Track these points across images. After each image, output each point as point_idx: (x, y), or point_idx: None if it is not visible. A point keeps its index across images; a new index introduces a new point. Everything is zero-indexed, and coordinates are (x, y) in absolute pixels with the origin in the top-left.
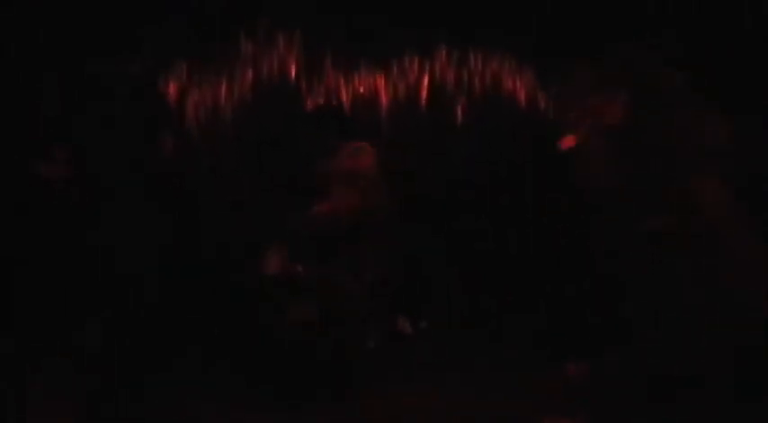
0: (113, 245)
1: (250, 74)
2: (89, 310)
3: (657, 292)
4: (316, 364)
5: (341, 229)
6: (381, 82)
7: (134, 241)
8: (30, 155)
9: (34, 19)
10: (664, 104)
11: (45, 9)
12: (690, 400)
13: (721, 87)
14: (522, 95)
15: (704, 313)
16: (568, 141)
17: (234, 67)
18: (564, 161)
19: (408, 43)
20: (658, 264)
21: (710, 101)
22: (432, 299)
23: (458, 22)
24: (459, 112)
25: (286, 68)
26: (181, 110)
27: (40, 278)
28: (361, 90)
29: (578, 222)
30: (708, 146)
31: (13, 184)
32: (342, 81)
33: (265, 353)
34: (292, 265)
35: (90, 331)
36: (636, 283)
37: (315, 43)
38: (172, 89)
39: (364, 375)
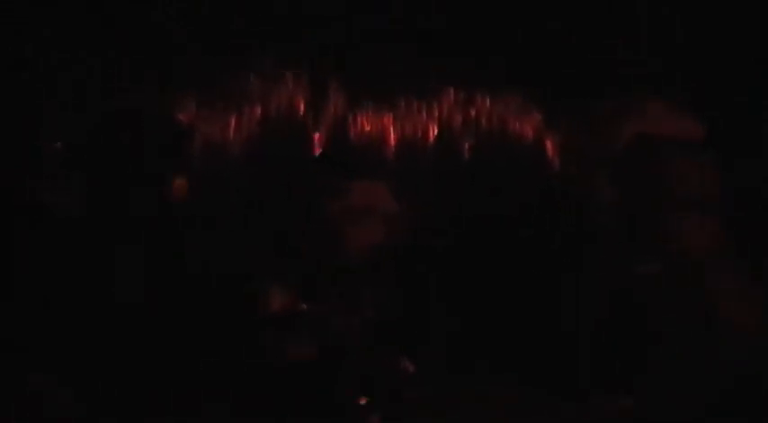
0: (113, 275)
1: (258, 111)
2: (84, 341)
3: (652, 331)
4: (313, 401)
5: (348, 267)
6: (389, 121)
7: (134, 273)
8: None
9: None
10: (662, 150)
11: (56, 38)
12: None
13: (719, 135)
14: (528, 137)
15: (700, 351)
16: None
17: (242, 103)
18: (568, 203)
19: (416, 83)
20: (654, 304)
21: (707, 148)
22: (432, 337)
23: (465, 63)
24: (467, 153)
25: (294, 106)
26: (188, 145)
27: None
28: (369, 129)
29: (582, 264)
30: (700, 192)
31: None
32: (349, 120)
33: (263, 389)
34: (296, 302)
35: (84, 361)
36: (631, 321)
37: (322, 81)
38: (180, 123)
39: (363, 413)
